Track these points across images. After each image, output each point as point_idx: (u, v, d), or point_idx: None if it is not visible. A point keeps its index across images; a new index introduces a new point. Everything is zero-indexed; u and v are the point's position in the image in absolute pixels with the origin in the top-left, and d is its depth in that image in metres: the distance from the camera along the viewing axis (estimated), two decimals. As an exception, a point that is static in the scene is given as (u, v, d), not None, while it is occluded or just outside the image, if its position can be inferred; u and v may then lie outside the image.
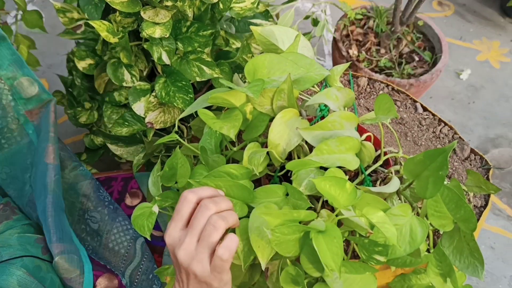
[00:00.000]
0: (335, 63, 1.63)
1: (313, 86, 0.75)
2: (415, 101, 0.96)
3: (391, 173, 0.68)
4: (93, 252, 0.94)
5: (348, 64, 0.77)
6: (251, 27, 0.77)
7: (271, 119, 0.68)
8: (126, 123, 1.09)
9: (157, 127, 1.02)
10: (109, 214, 0.96)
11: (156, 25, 0.93)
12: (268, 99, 0.68)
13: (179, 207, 0.56)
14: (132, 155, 1.13)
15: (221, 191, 0.59)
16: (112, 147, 1.13)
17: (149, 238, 0.69)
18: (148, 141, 1.05)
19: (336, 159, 0.61)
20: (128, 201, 1.13)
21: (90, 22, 0.92)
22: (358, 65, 1.49)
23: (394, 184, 0.62)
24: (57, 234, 0.76)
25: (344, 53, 1.52)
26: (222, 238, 0.54)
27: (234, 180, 0.62)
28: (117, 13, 0.97)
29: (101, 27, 0.93)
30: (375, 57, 1.55)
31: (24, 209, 0.91)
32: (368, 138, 0.67)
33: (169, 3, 0.92)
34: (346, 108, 0.69)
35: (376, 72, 1.52)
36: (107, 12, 1.02)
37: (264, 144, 0.71)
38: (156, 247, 1.04)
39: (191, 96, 0.99)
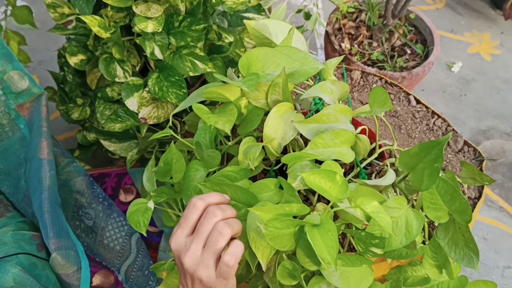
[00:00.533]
0: (327, 56, 1.63)
1: (307, 80, 0.75)
2: (408, 94, 0.96)
3: (386, 166, 0.68)
4: (88, 249, 0.94)
5: (342, 57, 0.77)
6: (245, 21, 0.76)
7: (266, 113, 0.68)
8: (119, 119, 1.08)
9: (151, 123, 1.01)
10: (103, 210, 0.96)
11: (148, 20, 0.92)
12: (263, 93, 0.67)
13: (187, 213, 0.57)
14: (125, 151, 1.13)
15: (227, 195, 0.59)
16: (105, 143, 1.13)
17: (145, 234, 0.68)
18: (142, 136, 1.05)
19: (331, 152, 0.61)
20: (122, 197, 1.13)
21: (82, 17, 0.91)
22: (350, 59, 1.49)
23: (389, 177, 0.62)
24: (54, 229, 0.75)
25: (337, 47, 1.52)
26: (227, 244, 0.55)
27: (234, 182, 0.62)
28: (109, 8, 0.96)
29: (93, 22, 0.92)
30: (367, 50, 1.55)
31: (19, 205, 0.90)
32: (363, 131, 0.67)
33: (161, -2, 0.92)
34: (340, 102, 0.69)
35: (368, 65, 1.52)
36: (98, 7, 1.01)
37: (259, 138, 0.71)
38: (151, 243, 1.04)
39: (185, 91, 0.98)
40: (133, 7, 0.92)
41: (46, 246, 0.78)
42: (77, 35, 1.14)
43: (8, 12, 1.27)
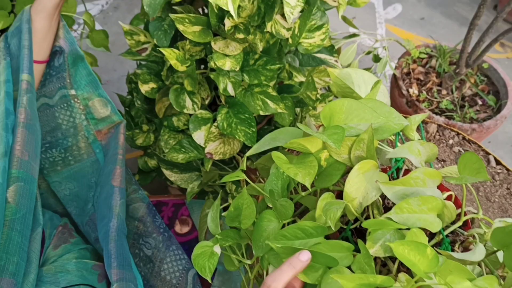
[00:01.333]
0: (393, 101, 1.59)
1: (389, 135, 0.72)
2: (488, 154, 0.91)
3: (472, 236, 0.64)
4: (144, 279, 0.92)
5: (427, 114, 0.73)
6: (328, 69, 0.75)
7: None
8: (183, 150, 1.08)
9: (216, 158, 1.00)
10: (163, 241, 0.95)
11: (226, 57, 0.92)
12: (345, 147, 0.65)
13: None
14: (186, 182, 1.12)
15: (305, 254, 0.57)
16: (166, 173, 1.12)
17: (209, 281, 0.66)
18: (206, 171, 1.04)
19: (417, 219, 0.58)
20: (178, 228, 1.12)
21: (161, 50, 0.92)
22: (418, 105, 1.44)
23: (479, 252, 0.57)
24: (118, 259, 0.74)
25: (404, 92, 1.48)
26: None
27: (310, 238, 0.59)
28: (187, 42, 0.97)
29: (171, 55, 0.93)
30: (436, 98, 1.50)
31: (82, 228, 0.90)
32: (449, 197, 0.63)
33: (241, 36, 0.92)
34: (426, 163, 0.65)
35: (436, 113, 1.47)
36: (174, 38, 1.02)
37: (335, 192, 0.68)
38: (204, 280, 1.02)
39: (254, 129, 0.97)
40: (212, 43, 0.92)
41: (107, 277, 0.78)
42: (148, 62, 1.15)
43: (84, 34, 1.31)
